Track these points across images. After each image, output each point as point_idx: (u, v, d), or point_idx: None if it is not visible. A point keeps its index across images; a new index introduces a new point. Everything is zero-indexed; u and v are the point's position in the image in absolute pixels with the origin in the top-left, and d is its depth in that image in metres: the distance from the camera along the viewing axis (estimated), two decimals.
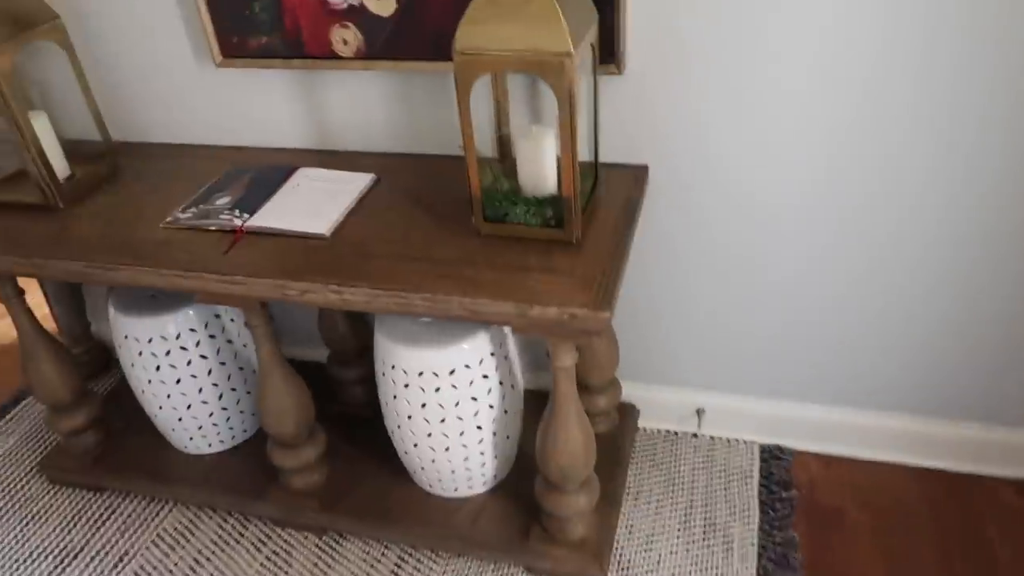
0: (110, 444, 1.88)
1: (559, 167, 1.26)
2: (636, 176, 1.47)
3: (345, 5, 1.43)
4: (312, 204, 1.45)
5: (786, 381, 1.72)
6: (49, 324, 2.18)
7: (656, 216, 1.55)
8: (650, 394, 1.82)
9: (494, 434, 1.54)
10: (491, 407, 1.50)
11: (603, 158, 1.49)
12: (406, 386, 1.47)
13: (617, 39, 1.34)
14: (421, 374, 1.45)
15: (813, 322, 1.62)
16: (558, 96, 1.13)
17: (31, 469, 1.95)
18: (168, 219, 1.46)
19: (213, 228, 1.42)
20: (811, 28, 1.29)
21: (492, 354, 1.47)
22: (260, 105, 1.66)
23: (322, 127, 1.66)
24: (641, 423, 1.86)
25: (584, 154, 1.38)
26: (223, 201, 1.48)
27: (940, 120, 1.32)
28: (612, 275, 1.22)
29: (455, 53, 1.14)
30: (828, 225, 1.49)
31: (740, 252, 1.57)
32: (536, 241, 1.30)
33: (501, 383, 1.50)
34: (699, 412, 1.81)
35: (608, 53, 1.35)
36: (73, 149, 1.67)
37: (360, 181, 1.52)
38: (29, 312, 1.65)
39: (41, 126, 1.53)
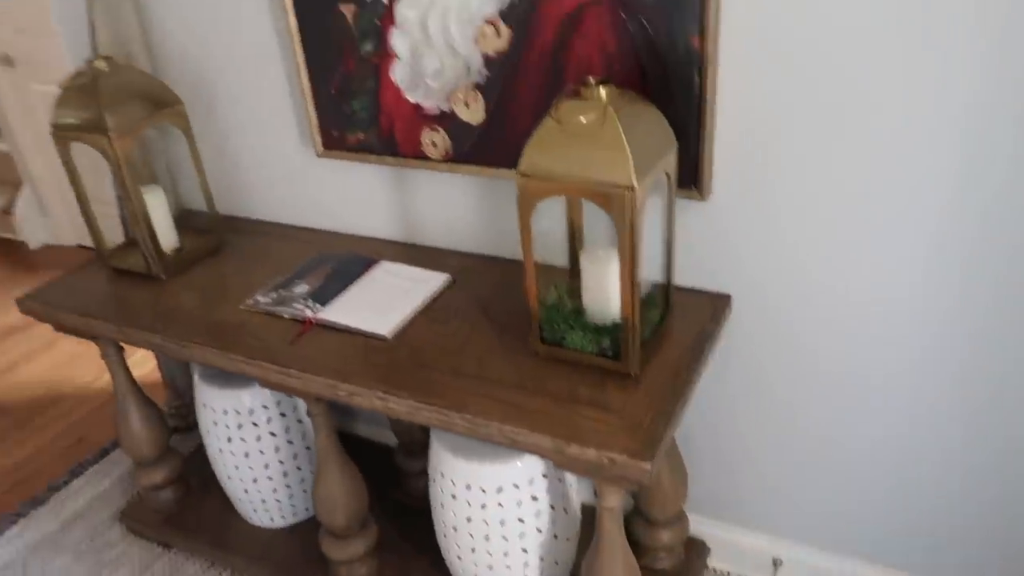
0: (185, 503, 1.94)
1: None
2: (715, 306, 1.37)
3: (437, 111, 1.45)
4: (383, 301, 1.46)
5: (878, 542, 1.52)
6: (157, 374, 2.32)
7: (740, 345, 1.44)
8: (723, 534, 1.67)
9: (541, 559, 1.46)
10: (539, 531, 1.42)
11: (683, 282, 1.41)
12: (453, 497, 1.42)
13: (701, 165, 1.27)
14: (468, 487, 1.39)
15: (918, 479, 1.43)
16: (618, 228, 1.08)
17: (115, 514, 2.04)
18: (249, 301, 1.51)
19: (286, 316, 1.45)
20: (903, 157, 1.17)
21: (544, 475, 1.40)
22: (353, 195, 1.71)
23: (408, 221, 1.68)
24: (711, 563, 1.71)
25: (657, 277, 1.31)
26: (301, 289, 1.52)
27: None
28: (664, 419, 1.12)
29: (518, 173, 1.12)
30: (937, 368, 1.32)
31: (832, 396, 1.42)
32: (592, 369, 1.23)
33: (552, 507, 1.42)
34: (776, 563, 1.63)
35: (691, 178, 1.28)
36: (187, 219, 1.78)
37: (435, 281, 1.51)
38: (126, 370, 1.75)
39: (155, 200, 1.64)
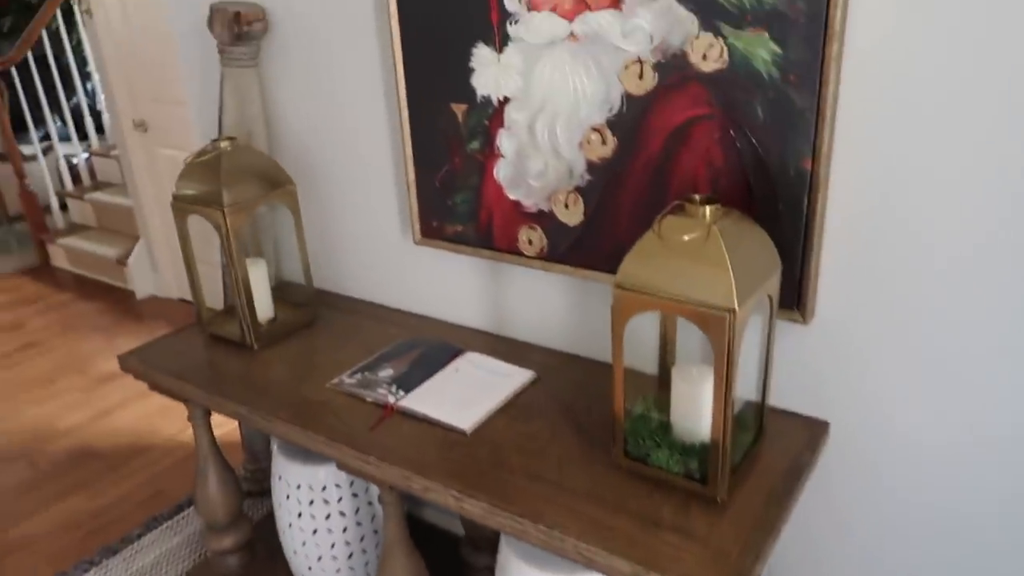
0: (250, 570, 1.94)
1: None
2: (812, 433, 1.30)
3: (536, 210, 1.47)
4: (466, 393, 1.45)
5: None
6: (237, 435, 2.37)
7: (828, 477, 1.36)
8: None
9: None
10: None
11: (777, 403, 1.35)
12: None
13: (806, 287, 1.23)
14: None
15: None
16: (716, 350, 1.04)
17: (181, 573, 2.06)
18: (335, 380, 1.53)
19: (368, 400, 1.46)
20: (1012, 294, 1.10)
21: None
22: (446, 282, 1.73)
23: (497, 313, 1.68)
24: None
25: (751, 396, 1.26)
26: (386, 373, 1.53)
27: None
28: (754, 553, 1.06)
29: (615, 285, 1.11)
30: None
31: (922, 547, 1.31)
32: (676, 490, 1.17)
33: None
34: None
35: (794, 300, 1.24)
36: (284, 291, 1.84)
37: (519, 377, 1.50)
38: (210, 434, 1.79)
39: (258, 273, 1.70)
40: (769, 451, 1.26)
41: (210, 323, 1.77)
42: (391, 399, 1.45)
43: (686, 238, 1.05)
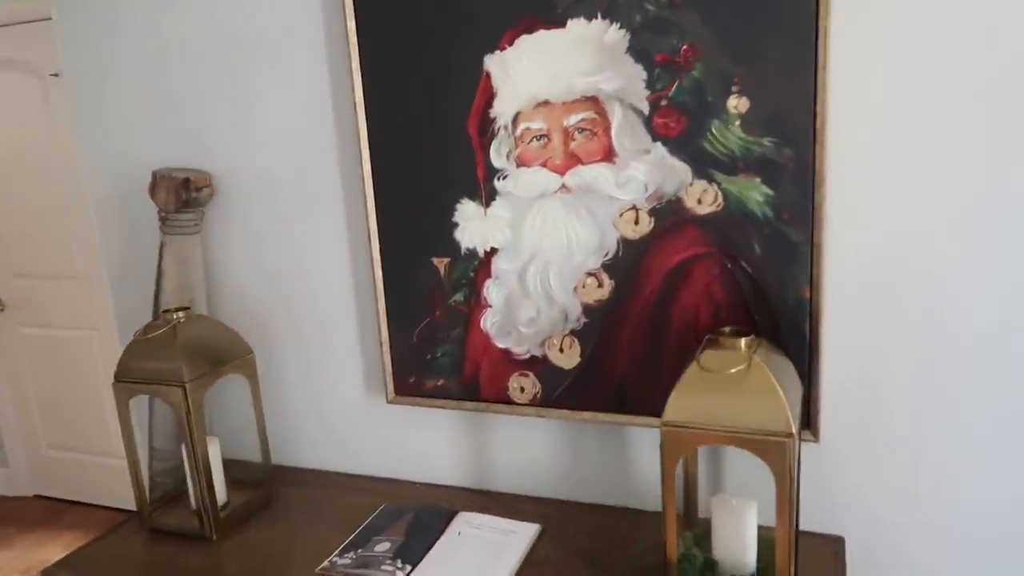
0: None
1: (759, 544, 1.15)
2: (835, 552, 1.33)
3: (528, 356, 1.47)
4: (477, 557, 1.36)
5: None
6: None
7: None
8: None
9: None
10: None
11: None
12: None
13: (815, 408, 1.29)
14: None
15: None
16: (777, 476, 1.06)
17: None
18: (325, 564, 1.38)
19: None
20: (1005, 408, 1.23)
21: None
22: (422, 440, 1.65)
23: (482, 467, 1.62)
24: None
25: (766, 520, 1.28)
26: (383, 547, 1.41)
27: None
28: None
29: (662, 424, 1.11)
30: None
31: None
32: None
33: None
34: None
35: (804, 421, 1.30)
36: (232, 469, 1.67)
37: (525, 532, 1.43)
38: None
39: (213, 453, 1.54)
40: (804, 573, 1.27)
41: (151, 517, 1.57)
42: (400, 575, 1.32)
43: (732, 371, 1.08)
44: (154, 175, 1.61)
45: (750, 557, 1.19)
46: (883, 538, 1.36)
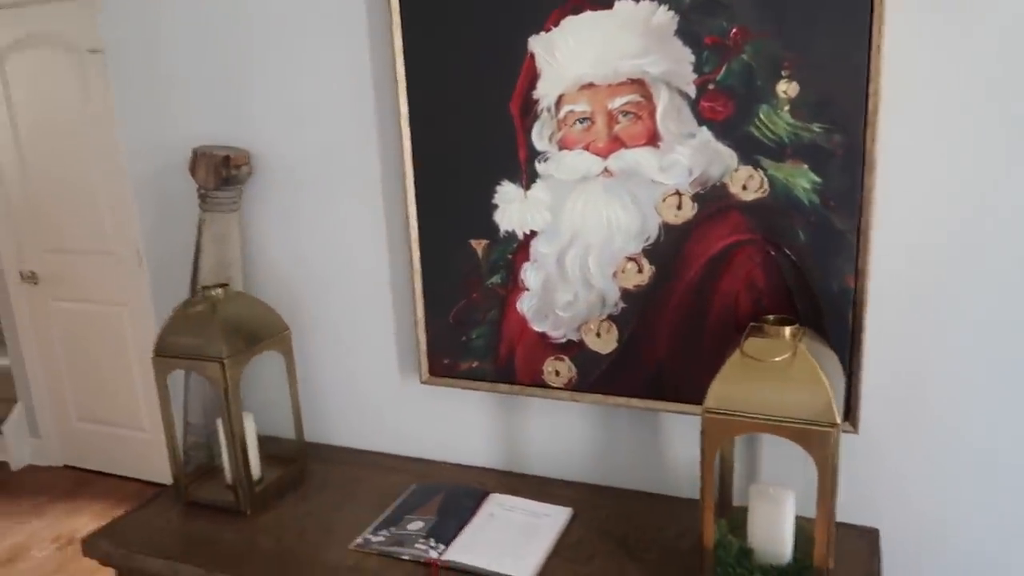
0: None
1: (796, 534, 1.15)
2: (870, 543, 1.32)
3: (564, 340, 1.46)
4: (510, 539, 1.37)
5: None
6: None
7: None
8: None
9: None
10: None
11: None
12: None
13: (855, 398, 1.28)
14: None
15: None
16: (819, 465, 1.05)
17: None
18: (358, 541, 1.40)
19: (406, 558, 1.34)
20: None
21: None
22: (454, 422, 1.66)
23: (514, 449, 1.62)
24: None
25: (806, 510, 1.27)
26: (415, 526, 1.42)
27: None
28: None
29: (704, 411, 1.11)
30: None
31: None
32: None
33: None
34: None
35: (843, 411, 1.28)
36: (266, 446, 1.68)
37: (558, 516, 1.44)
38: None
39: (248, 429, 1.56)
40: (839, 564, 1.26)
41: (188, 490, 1.59)
42: (433, 554, 1.33)
43: (776, 359, 1.07)
44: (194, 152, 1.62)
45: (787, 546, 1.19)
46: (918, 530, 1.35)
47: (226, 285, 1.53)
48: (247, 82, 1.65)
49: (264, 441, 1.75)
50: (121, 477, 3.42)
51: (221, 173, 1.60)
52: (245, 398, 1.80)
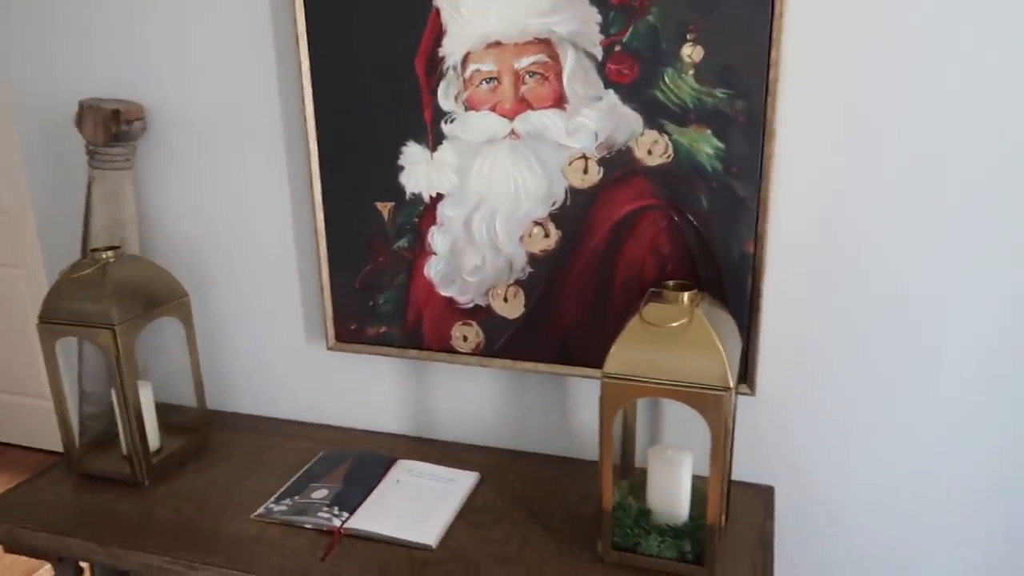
0: None
1: (693, 494, 1.17)
2: (764, 502, 1.36)
3: (472, 305, 1.45)
4: (415, 504, 1.36)
5: None
6: None
7: (782, 544, 1.43)
8: None
9: None
10: None
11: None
12: None
13: (752, 361, 1.31)
14: None
15: None
16: (712, 429, 1.07)
17: None
18: (260, 510, 1.36)
19: (309, 527, 1.32)
20: (938, 368, 1.26)
21: None
22: (362, 388, 1.63)
23: (423, 415, 1.61)
24: None
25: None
26: (320, 495, 1.39)
27: None
28: None
29: (603, 376, 1.11)
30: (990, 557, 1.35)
31: None
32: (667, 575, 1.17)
33: None
34: None
35: (742, 374, 1.31)
36: (164, 414, 1.62)
37: (465, 480, 1.43)
38: None
39: (144, 398, 1.49)
40: (735, 524, 1.30)
41: (80, 461, 1.52)
42: (336, 522, 1.31)
43: (673, 324, 1.08)
44: (81, 105, 1.52)
45: (684, 507, 1.21)
46: (810, 489, 1.40)
47: (118, 248, 1.46)
48: (140, 32, 1.55)
49: (166, 410, 1.69)
50: (23, 447, 3.27)
51: (111, 128, 1.50)
52: (146, 366, 1.74)
